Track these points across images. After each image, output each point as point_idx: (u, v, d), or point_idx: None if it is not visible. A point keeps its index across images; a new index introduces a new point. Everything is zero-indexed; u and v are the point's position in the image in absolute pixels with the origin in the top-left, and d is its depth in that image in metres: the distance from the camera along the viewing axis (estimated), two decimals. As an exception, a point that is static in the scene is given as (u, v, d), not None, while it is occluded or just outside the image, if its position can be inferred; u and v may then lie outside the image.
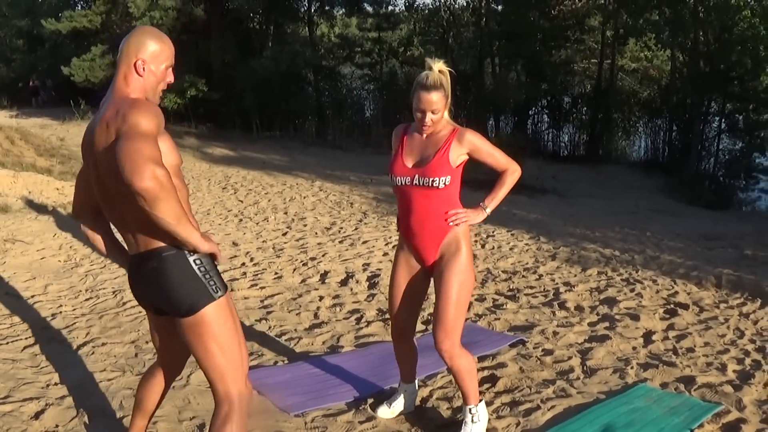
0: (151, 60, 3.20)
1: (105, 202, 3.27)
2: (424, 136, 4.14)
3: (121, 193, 3.03)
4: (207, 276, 3.21)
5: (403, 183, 4.13)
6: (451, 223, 4.10)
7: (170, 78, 3.33)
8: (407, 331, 4.53)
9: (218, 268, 3.30)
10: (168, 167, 2.96)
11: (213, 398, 3.35)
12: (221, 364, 3.27)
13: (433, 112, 3.99)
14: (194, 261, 3.18)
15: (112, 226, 3.41)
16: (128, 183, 2.79)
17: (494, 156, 4.16)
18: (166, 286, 3.18)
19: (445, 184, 4.02)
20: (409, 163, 4.13)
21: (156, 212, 2.88)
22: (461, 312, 4.13)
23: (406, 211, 4.21)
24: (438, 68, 4.00)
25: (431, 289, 4.33)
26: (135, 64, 3.17)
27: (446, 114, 4.09)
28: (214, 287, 3.22)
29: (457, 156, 4.06)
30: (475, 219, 4.17)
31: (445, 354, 4.11)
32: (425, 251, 4.21)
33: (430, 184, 4.03)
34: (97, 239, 3.54)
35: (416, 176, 4.07)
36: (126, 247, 3.36)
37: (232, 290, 7.27)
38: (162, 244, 3.15)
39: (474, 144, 4.08)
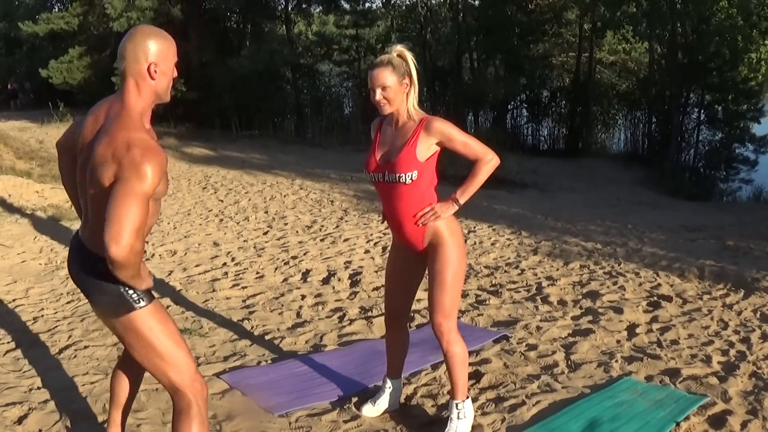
0: (160, 61, 3.11)
1: (81, 188, 3.20)
2: (394, 127, 4.07)
3: (94, 197, 3.01)
4: (129, 289, 3.15)
5: (376, 179, 4.10)
6: (420, 224, 4.05)
7: (175, 73, 3.26)
8: (401, 317, 4.52)
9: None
10: (155, 195, 2.97)
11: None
12: (158, 363, 3.24)
13: (382, 88, 3.92)
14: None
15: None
16: (105, 242, 2.77)
17: (468, 144, 3.99)
18: (93, 284, 3.17)
19: (411, 179, 3.94)
20: (380, 158, 4.08)
21: (115, 273, 2.89)
22: (456, 297, 4.14)
23: (385, 205, 4.19)
24: (396, 52, 3.97)
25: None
26: (148, 70, 3.09)
27: (414, 102, 4.02)
28: (136, 298, 3.17)
29: (426, 148, 3.96)
30: (445, 213, 4.06)
31: (443, 337, 4.10)
32: (411, 241, 4.16)
33: (396, 180, 3.97)
34: None
35: (385, 172, 4.01)
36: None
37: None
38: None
39: (443, 132, 3.94)
